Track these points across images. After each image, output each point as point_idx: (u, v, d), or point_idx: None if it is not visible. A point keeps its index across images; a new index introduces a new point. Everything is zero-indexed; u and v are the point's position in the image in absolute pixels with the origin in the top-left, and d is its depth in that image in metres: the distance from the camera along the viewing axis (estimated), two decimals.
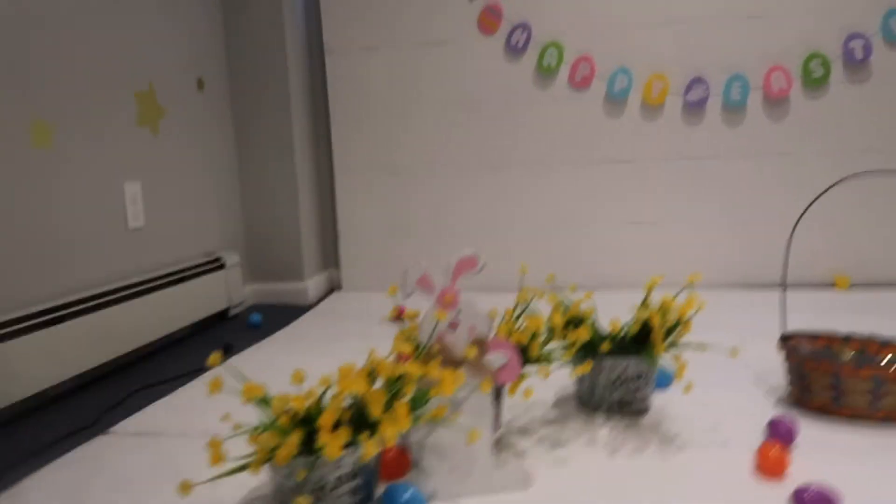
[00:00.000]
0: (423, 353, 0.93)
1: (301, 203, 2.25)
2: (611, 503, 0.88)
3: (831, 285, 1.88)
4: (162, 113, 1.84)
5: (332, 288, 2.46)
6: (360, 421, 0.80)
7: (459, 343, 0.94)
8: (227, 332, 1.94)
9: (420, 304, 0.98)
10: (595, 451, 1.04)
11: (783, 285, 1.26)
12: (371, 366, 0.80)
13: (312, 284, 2.30)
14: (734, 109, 2.09)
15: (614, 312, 1.15)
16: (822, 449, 1.01)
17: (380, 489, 0.86)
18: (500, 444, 1.06)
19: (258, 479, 0.92)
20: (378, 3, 2.23)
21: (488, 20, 2.18)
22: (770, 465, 0.93)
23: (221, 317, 2.07)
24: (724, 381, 1.30)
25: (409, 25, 2.23)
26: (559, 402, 1.25)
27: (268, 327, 1.93)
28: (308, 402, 0.77)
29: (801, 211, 1.23)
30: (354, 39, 2.25)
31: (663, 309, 1.08)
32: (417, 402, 0.81)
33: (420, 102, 2.26)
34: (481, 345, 0.93)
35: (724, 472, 0.94)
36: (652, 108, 2.14)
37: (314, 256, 2.36)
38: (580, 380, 1.20)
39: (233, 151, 2.22)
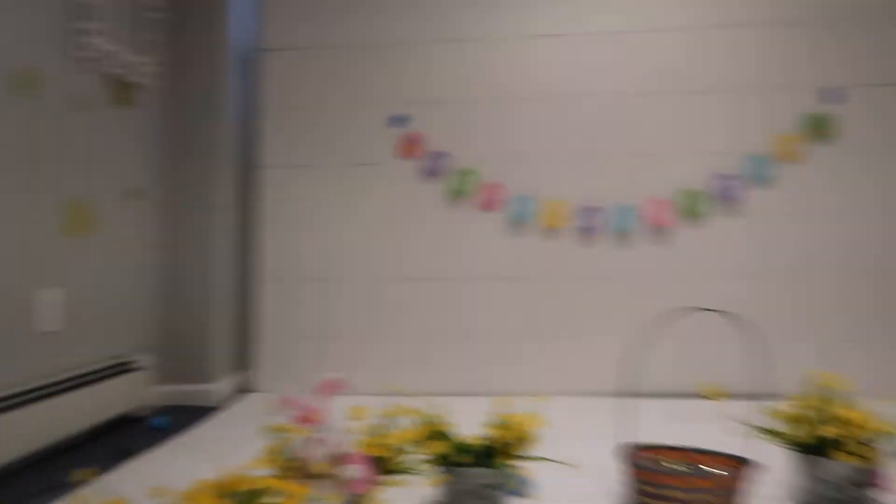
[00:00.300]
0: (288, 467, 1.03)
1: (217, 306, 2.35)
2: None
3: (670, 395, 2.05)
4: (91, 222, 1.95)
5: (244, 390, 2.52)
6: None
7: (320, 457, 1.04)
8: (132, 434, 1.97)
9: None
10: None
11: (630, 393, 1.42)
12: (224, 481, 0.90)
13: (220, 387, 2.36)
14: (622, 235, 2.33)
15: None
16: None
17: None
18: None
19: None
20: (310, 126, 2.43)
21: (408, 146, 2.40)
22: None
23: (131, 420, 2.10)
24: (570, 486, 1.41)
25: (338, 146, 2.43)
26: None
27: (175, 429, 1.97)
28: None
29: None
30: (287, 158, 2.44)
31: (506, 426, 1.21)
32: None
33: (343, 217, 2.43)
34: (339, 459, 1.04)
35: None
36: (551, 231, 2.35)
37: (225, 359, 2.43)
38: (444, 489, 1.31)
39: (157, 258, 2.33)
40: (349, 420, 1.11)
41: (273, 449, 1.06)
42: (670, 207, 2.30)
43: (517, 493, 1.37)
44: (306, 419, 1.04)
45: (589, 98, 2.34)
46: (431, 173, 2.39)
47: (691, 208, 2.29)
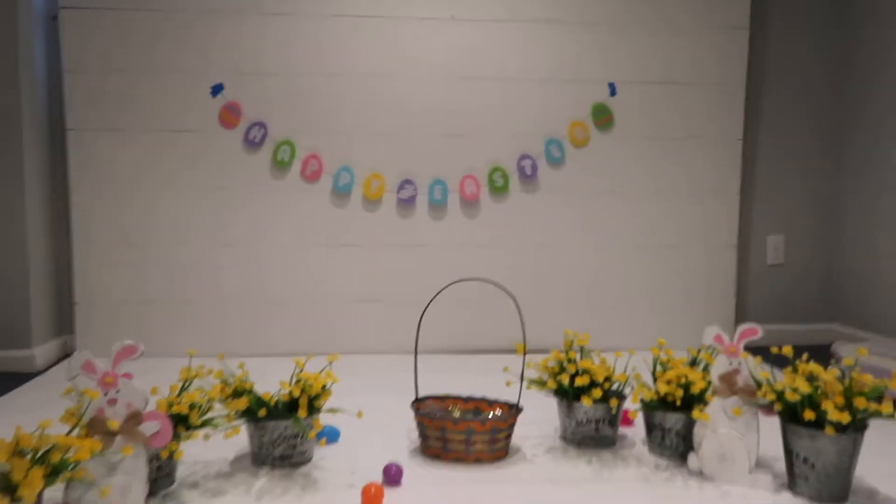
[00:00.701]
0: (86, 426, 1.13)
1: (32, 271, 2.30)
2: None
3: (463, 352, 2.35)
4: None
5: (66, 355, 2.49)
6: (7, 486, 0.98)
7: (117, 416, 1.15)
8: None
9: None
10: (248, 498, 1.29)
11: (415, 354, 1.64)
12: (19, 443, 0.99)
13: (41, 352, 2.33)
14: (437, 207, 2.55)
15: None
16: (425, 484, 1.36)
17: None
18: (165, 496, 1.28)
19: None
20: (124, 87, 2.39)
21: (228, 116, 2.44)
22: (369, 498, 1.26)
23: None
24: (373, 434, 1.63)
25: (155, 112, 2.42)
26: (236, 460, 1.49)
27: None
28: None
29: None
30: (98, 121, 2.39)
31: (302, 382, 1.39)
32: (61, 467, 1.01)
33: (164, 183, 2.44)
34: (136, 416, 1.15)
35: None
36: (371, 202, 2.52)
37: (46, 324, 2.39)
38: (250, 440, 1.46)
39: None
40: (148, 382, 1.22)
41: (72, 410, 1.15)
42: (479, 183, 2.55)
43: (335, 437, 1.57)
44: (103, 382, 1.13)
45: (403, 79, 2.51)
46: (252, 143, 2.46)
47: (497, 184, 2.55)
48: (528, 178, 2.57)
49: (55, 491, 1.11)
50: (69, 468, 1.02)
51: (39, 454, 1.01)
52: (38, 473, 0.96)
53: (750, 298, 2.78)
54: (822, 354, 1.80)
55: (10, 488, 0.97)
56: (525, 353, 1.56)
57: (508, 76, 2.54)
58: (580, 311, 2.60)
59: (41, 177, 2.38)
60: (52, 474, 1.01)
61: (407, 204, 2.53)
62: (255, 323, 2.49)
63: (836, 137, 2.78)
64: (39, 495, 1.04)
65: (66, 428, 1.13)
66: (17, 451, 0.99)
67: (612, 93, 2.58)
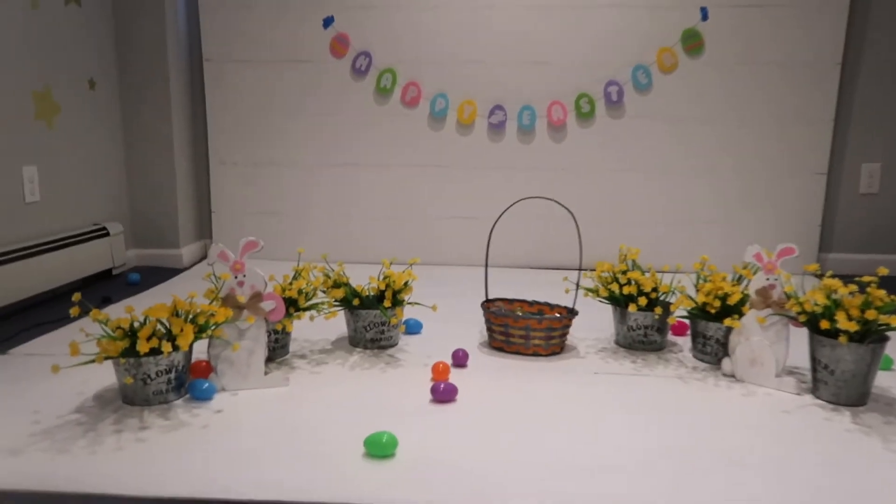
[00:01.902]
0: (221, 300, 1.48)
1: (179, 185, 2.74)
2: (342, 396, 1.47)
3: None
4: (57, 109, 2.28)
5: (206, 256, 2.96)
6: (169, 337, 1.34)
7: (244, 295, 1.49)
8: (110, 287, 2.42)
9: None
10: (342, 369, 1.63)
11: (486, 265, 1.89)
12: (176, 306, 1.35)
13: (187, 252, 2.80)
14: (525, 132, 2.72)
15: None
16: (487, 367, 1.64)
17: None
18: (281, 362, 1.63)
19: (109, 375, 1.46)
20: (251, 22, 2.71)
21: (338, 46, 2.71)
22: (437, 373, 1.55)
23: (107, 275, 2.54)
24: (450, 329, 1.92)
25: (277, 44, 2.73)
26: (336, 342, 1.83)
27: (144, 285, 2.42)
28: (131, 323, 1.32)
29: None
30: (230, 52, 2.74)
31: (388, 279, 1.68)
32: (205, 327, 1.37)
33: (284, 108, 2.77)
34: (257, 296, 1.49)
35: (417, 377, 1.55)
36: (464, 126, 2.74)
37: (190, 229, 2.85)
38: (347, 325, 1.78)
39: (120, 142, 2.68)
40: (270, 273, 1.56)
41: (212, 289, 1.50)
42: (566, 109, 2.69)
43: (417, 329, 1.88)
44: (233, 268, 1.47)
45: (495, 10, 2.65)
46: (359, 72, 2.72)
47: (584, 110, 2.68)
48: (614, 103, 2.68)
49: (202, 353, 1.48)
50: (211, 327, 1.37)
51: (191, 316, 1.37)
52: (190, 328, 1.31)
53: (838, 227, 2.77)
54: None
55: (171, 338, 1.33)
56: (581, 265, 1.77)
57: (598, 4, 2.62)
58: (660, 233, 2.73)
59: (183, 102, 2.78)
60: (200, 331, 1.37)
61: (497, 129, 2.73)
62: (360, 233, 2.83)
63: None
64: (191, 347, 1.40)
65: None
66: (175, 312, 1.35)
67: (704, 17, 2.59)
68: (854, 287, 1.39)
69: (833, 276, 1.49)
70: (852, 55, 2.64)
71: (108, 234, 2.49)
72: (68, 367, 1.35)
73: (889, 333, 1.40)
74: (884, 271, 1.45)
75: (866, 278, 1.43)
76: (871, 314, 1.32)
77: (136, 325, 1.33)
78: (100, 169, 2.54)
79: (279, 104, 2.77)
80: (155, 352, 1.32)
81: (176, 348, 1.34)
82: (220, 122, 2.80)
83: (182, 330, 1.32)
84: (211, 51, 2.75)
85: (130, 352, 1.31)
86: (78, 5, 2.38)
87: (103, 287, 2.41)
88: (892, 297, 1.34)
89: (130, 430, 1.26)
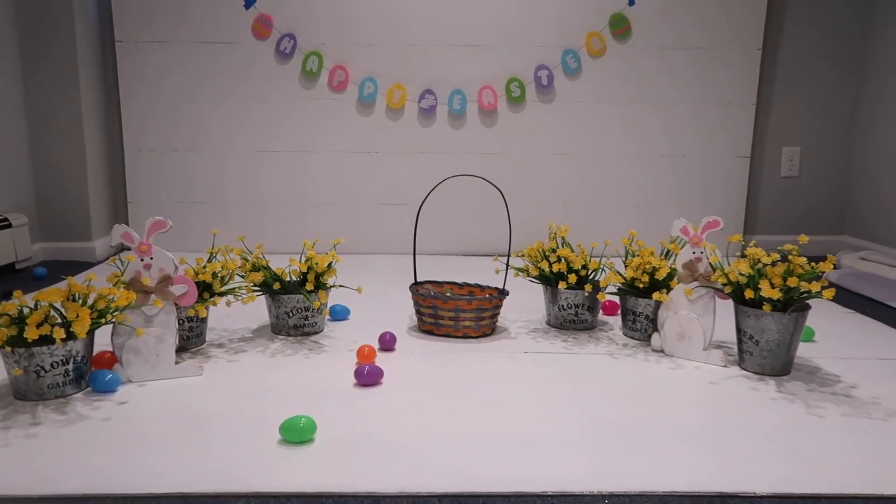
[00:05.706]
0: (125, 284, 1.37)
1: (90, 173, 2.57)
2: (260, 383, 1.38)
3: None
4: None
5: (123, 248, 2.79)
6: (64, 323, 1.23)
7: (151, 278, 1.39)
8: (14, 282, 2.24)
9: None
10: (262, 356, 1.54)
11: (413, 246, 1.83)
12: (71, 289, 1.23)
13: (100, 244, 2.63)
14: (457, 117, 2.68)
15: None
16: (415, 350, 1.59)
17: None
18: (195, 351, 1.53)
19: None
20: (167, 1, 2.57)
21: (261, 28, 2.60)
22: (363, 356, 1.48)
23: (10, 270, 2.36)
24: (379, 314, 1.85)
25: (195, 24, 2.59)
26: (257, 330, 1.74)
27: (52, 279, 2.26)
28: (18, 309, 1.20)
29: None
30: (143, 34, 2.59)
31: (310, 261, 1.60)
32: (105, 312, 1.26)
33: (205, 92, 2.64)
34: (166, 279, 1.39)
35: (341, 362, 1.48)
36: (394, 111, 2.67)
37: (103, 220, 2.68)
38: (269, 312, 1.69)
39: (23, 128, 2.49)
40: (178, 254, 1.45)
41: (116, 273, 1.39)
42: (497, 93, 2.66)
43: (344, 316, 1.81)
44: (139, 249, 1.37)
45: None
46: (283, 54, 2.62)
47: (514, 95, 2.65)
48: (545, 88, 2.66)
49: (107, 345, 1.37)
50: (112, 312, 1.27)
51: (88, 302, 1.26)
52: (86, 313, 1.21)
53: (761, 209, 2.85)
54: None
55: (66, 325, 1.22)
56: (510, 245, 1.73)
57: None
58: (589, 215, 2.74)
59: (95, 85, 2.61)
60: (99, 317, 1.26)
61: (427, 113, 2.67)
62: (287, 222, 2.72)
63: (860, 48, 2.74)
64: (91, 337, 1.29)
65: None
66: (70, 297, 1.24)
67: (631, 2, 2.61)
68: (776, 255, 1.39)
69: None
70: (772, 42, 2.71)
71: (10, 226, 2.31)
72: None
73: (810, 302, 1.42)
74: (804, 239, 1.46)
75: (787, 246, 1.44)
76: (792, 281, 1.33)
77: (25, 310, 1.21)
78: (0, 156, 2.36)
79: (199, 88, 2.64)
80: (47, 340, 1.21)
81: (71, 335, 1.23)
82: (135, 107, 2.65)
83: (78, 315, 1.21)
84: (123, 31, 2.59)
85: (18, 340, 1.19)
86: None
87: (6, 282, 2.24)
88: (813, 264, 1.36)
89: (20, 427, 1.15)
